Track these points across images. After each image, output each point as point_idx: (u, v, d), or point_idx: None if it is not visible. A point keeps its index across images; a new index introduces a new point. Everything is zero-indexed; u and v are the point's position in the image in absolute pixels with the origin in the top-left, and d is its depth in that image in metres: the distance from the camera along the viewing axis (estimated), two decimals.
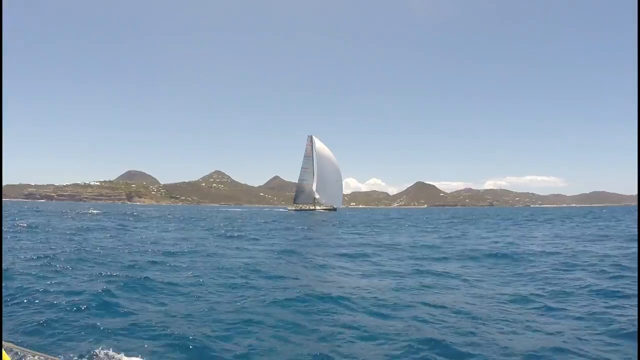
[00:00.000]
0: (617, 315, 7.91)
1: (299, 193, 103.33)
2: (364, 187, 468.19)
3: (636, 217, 53.87)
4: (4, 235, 21.27)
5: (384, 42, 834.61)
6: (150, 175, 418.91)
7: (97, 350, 5.74)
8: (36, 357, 4.90)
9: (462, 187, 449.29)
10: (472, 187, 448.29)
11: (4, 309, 7.68)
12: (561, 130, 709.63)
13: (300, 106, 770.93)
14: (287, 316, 7.77)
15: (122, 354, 5.67)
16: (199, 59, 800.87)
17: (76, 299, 8.63)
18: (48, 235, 23.34)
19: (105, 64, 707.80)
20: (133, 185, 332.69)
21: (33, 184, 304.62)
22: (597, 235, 26.12)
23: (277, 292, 9.77)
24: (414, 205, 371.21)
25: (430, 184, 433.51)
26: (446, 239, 24.68)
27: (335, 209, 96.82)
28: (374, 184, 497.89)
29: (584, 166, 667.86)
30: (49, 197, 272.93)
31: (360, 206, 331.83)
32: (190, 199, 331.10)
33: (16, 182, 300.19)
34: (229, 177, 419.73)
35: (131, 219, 46.18)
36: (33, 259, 13.81)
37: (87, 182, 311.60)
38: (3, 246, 16.75)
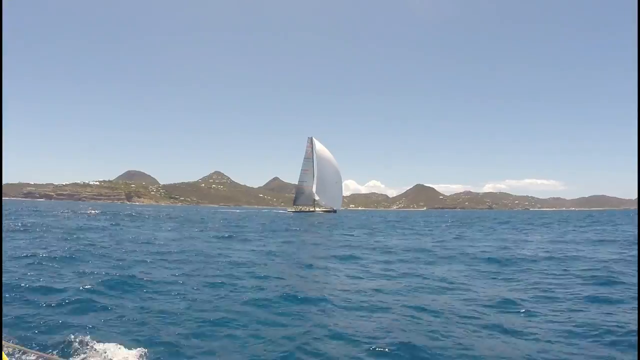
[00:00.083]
0: (601, 321, 7.79)
1: (298, 195, 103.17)
2: (363, 189, 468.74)
3: (633, 221, 53.93)
4: None
5: (384, 42, 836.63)
6: (149, 176, 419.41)
7: (71, 339, 6.00)
8: (36, 357, 4.90)
9: (462, 190, 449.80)
10: (472, 190, 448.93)
11: None
12: (561, 133, 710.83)
13: (300, 107, 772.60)
14: (260, 315, 7.81)
15: (95, 342, 5.94)
16: (199, 59, 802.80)
17: (56, 295, 8.76)
18: (41, 234, 23.31)
19: (105, 63, 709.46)
20: (132, 185, 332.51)
21: (32, 183, 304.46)
22: (592, 239, 26.00)
23: (256, 291, 9.81)
24: (413, 207, 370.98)
25: (429, 187, 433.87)
26: (439, 242, 24.64)
27: (335, 211, 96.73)
28: (373, 186, 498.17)
29: (584, 170, 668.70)
30: (48, 197, 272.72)
31: (360, 208, 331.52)
32: (189, 199, 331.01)
33: (15, 181, 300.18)
34: (228, 177, 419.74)
35: (127, 219, 46.16)
36: (21, 257, 13.92)
37: (87, 182, 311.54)
38: None
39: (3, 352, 3.38)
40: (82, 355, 5.68)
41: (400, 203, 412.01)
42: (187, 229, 33.46)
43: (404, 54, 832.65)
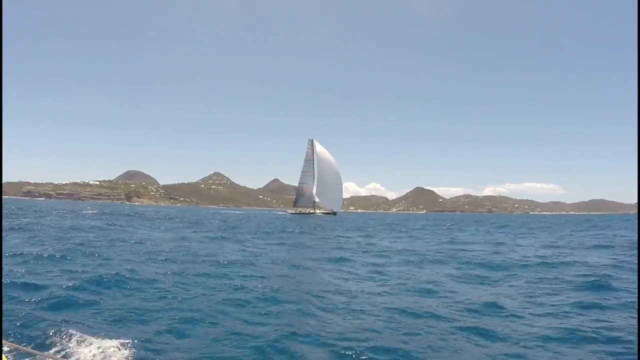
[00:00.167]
0: (585, 327, 7.71)
1: (299, 196, 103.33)
2: (363, 192, 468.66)
3: (631, 225, 53.80)
4: None
5: (384, 44, 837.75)
6: (149, 176, 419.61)
7: (48, 332, 6.26)
8: (36, 357, 4.91)
9: (461, 193, 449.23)
10: (471, 193, 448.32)
11: None
12: (561, 137, 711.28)
13: (301, 109, 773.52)
14: (236, 314, 7.90)
15: (68, 335, 6.18)
16: (199, 59, 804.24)
17: (37, 292, 8.90)
18: (36, 233, 23.30)
19: (106, 63, 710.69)
20: (132, 185, 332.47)
21: (32, 182, 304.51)
22: (587, 244, 25.81)
23: (237, 291, 9.91)
24: (413, 210, 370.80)
25: (429, 190, 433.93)
26: (432, 245, 24.63)
27: (335, 213, 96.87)
28: (373, 188, 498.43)
29: (584, 174, 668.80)
30: (47, 196, 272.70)
31: (359, 210, 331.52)
32: (189, 200, 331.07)
33: (15, 180, 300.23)
34: (228, 179, 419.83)
35: (124, 219, 46.12)
36: (10, 255, 13.95)
37: (86, 182, 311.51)
38: None
39: (2, 352, 3.40)
40: (61, 347, 5.90)
41: (400, 206, 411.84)
42: (182, 229, 33.45)
43: (404, 57, 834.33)
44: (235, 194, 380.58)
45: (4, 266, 11.78)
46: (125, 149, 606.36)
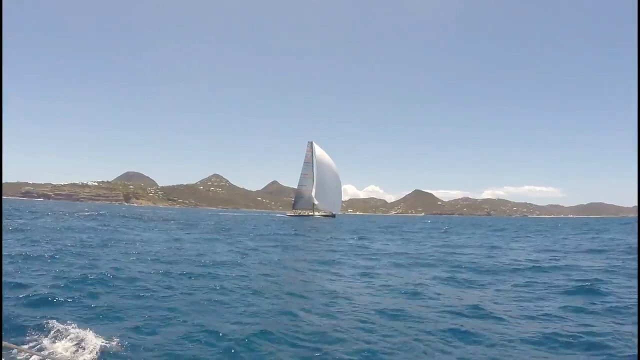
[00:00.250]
0: (569, 331, 7.62)
1: (298, 199, 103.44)
2: (362, 194, 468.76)
3: (628, 229, 53.73)
4: None
5: (384, 47, 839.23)
6: (148, 177, 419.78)
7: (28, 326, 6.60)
8: (36, 357, 4.88)
9: (460, 196, 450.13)
10: (470, 196, 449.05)
11: None
12: (560, 140, 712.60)
13: (300, 111, 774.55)
14: (205, 313, 8.04)
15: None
16: (199, 61, 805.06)
17: (19, 290, 9.05)
18: (30, 234, 23.24)
19: (105, 64, 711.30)
20: (131, 186, 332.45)
21: (31, 183, 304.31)
22: (582, 248, 25.64)
23: (213, 292, 10.02)
24: (412, 213, 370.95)
25: (428, 192, 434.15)
26: (425, 248, 24.64)
27: (334, 215, 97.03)
28: (372, 191, 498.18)
29: (583, 177, 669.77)
30: (46, 196, 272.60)
31: (358, 213, 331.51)
32: (187, 202, 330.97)
33: (14, 180, 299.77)
34: (227, 180, 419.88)
35: (120, 220, 46.10)
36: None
37: (85, 182, 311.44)
38: None
39: (2, 353, 3.39)
40: (36, 342, 6.13)
41: (398, 208, 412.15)
42: (177, 230, 33.42)
43: (404, 58, 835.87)
44: (234, 195, 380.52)
45: None
46: (124, 150, 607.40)
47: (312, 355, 6.15)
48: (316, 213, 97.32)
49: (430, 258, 19.16)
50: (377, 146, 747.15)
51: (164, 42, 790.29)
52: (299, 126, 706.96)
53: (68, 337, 6.29)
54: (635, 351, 6.58)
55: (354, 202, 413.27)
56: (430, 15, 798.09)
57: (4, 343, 4.28)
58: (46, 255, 14.59)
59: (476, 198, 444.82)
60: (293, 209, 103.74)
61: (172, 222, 47.87)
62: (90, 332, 6.50)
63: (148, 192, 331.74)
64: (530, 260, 19.32)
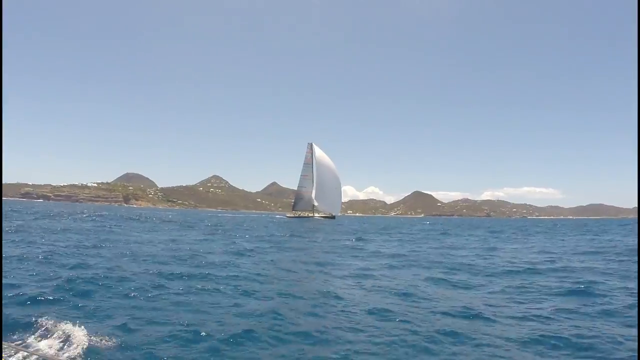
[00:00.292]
0: (549, 334, 7.51)
1: (298, 200, 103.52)
2: (361, 195, 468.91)
3: (628, 230, 53.63)
4: None
5: (384, 49, 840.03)
6: (148, 178, 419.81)
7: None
8: (36, 357, 4.99)
9: (460, 198, 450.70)
10: (470, 198, 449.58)
11: None
12: (560, 141, 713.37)
13: (300, 112, 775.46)
14: (188, 313, 8.14)
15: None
16: (199, 62, 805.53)
17: (8, 290, 9.11)
18: (24, 236, 23.21)
19: (105, 65, 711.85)
20: (130, 187, 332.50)
21: (30, 184, 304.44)
22: (578, 250, 25.50)
23: (200, 292, 10.12)
24: (411, 214, 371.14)
25: (427, 194, 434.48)
26: (421, 249, 24.63)
27: (334, 217, 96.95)
28: (371, 192, 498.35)
29: (583, 178, 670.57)
30: (45, 197, 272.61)
31: (357, 214, 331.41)
32: (187, 203, 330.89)
33: (14, 181, 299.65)
34: (226, 182, 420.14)
35: (118, 221, 46.08)
36: None
37: (85, 183, 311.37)
38: None
39: (2, 353, 3.40)
40: (22, 339, 6.19)
41: (398, 210, 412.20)
42: (173, 231, 33.45)
43: (404, 60, 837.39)
44: (233, 197, 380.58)
45: None
46: (124, 151, 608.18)
47: (294, 354, 6.17)
48: (316, 214, 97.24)
49: (424, 259, 19.12)
50: (377, 147, 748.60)
51: (163, 42, 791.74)
52: (299, 127, 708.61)
53: (54, 335, 6.40)
54: (623, 354, 6.57)
55: (353, 204, 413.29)
56: (429, 16, 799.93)
57: (6, 344, 4.29)
58: (40, 256, 14.60)
59: (476, 199, 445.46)
60: (293, 210, 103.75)
61: (170, 223, 47.83)
62: (77, 330, 6.58)
63: (147, 193, 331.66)
64: (526, 262, 19.15)
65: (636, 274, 14.62)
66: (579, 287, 12.11)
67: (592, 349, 6.82)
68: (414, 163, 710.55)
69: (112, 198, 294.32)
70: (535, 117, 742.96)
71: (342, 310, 8.82)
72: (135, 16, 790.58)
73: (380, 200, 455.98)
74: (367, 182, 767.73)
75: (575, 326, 8.16)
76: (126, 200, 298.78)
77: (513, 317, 8.82)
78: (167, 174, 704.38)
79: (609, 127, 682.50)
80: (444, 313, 8.92)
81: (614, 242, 30.92)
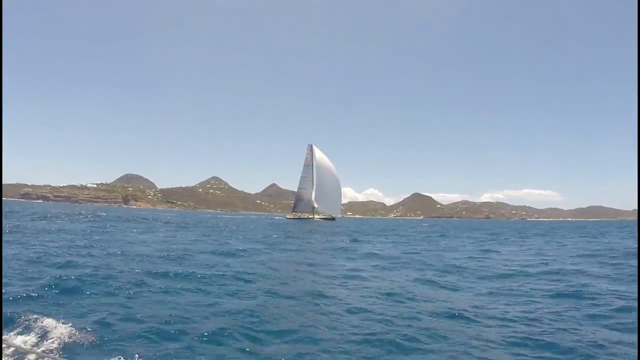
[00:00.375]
0: (534, 336, 7.45)
1: (298, 201, 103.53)
2: (361, 197, 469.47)
3: (627, 233, 53.54)
4: None
5: (383, 51, 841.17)
6: (147, 180, 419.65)
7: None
8: (36, 357, 5.04)
9: (459, 199, 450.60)
10: (469, 200, 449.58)
11: None
12: (560, 144, 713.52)
13: (299, 114, 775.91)
14: (167, 309, 8.27)
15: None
16: (199, 64, 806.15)
17: None
18: (18, 237, 23.20)
19: (106, 66, 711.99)
20: (130, 188, 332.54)
21: (30, 184, 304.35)
22: (574, 252, 25.34)
23: (183, 291, 10.19)
24: (411, 216, 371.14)
25: (427, 196, 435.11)
26: (415, 250, 24.65)
27: (333, 218, 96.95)
28: (371, 194, 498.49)
29: (582, 181, 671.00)
30: (45, 198, 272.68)
31: (357, 216, 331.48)
32: (186, 204, 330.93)
33: (13, 182, 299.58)
34: (226, 183, 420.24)
35: (115, 222, 46.03)
36: None
37: (84, 184, 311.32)
38: None
39: (2, 353, 3.41)
40: (6, 333, 6.37)
41: (397, 211, 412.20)
42: (170, 232, 33.46)
43: (403, 62, 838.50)
44: (232, 198, 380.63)
45: None
46: (123, 153, 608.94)
47: (264, 352, 6.23)
48: (316, 216, 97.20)
49: (416, 261, 19.13)
50: (377, 149, 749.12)
51: (163, 44, 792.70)
52: (298, 129, 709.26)
53: (33, 331, 6.54)
54: (603, 359, 6.55)
55: (353, 205, 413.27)
56: (429, 18, 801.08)
57: (6, 344, 4.30)
58: (30, 256, 14.64)
59: (475, 201, 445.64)
60: (293, 211, 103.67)
61: (167, 224, 47.83)
62: (55, 325, 6.74)
63: (147, 194, 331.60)
64: (518, 264, 19.04)
65: (629, 277, 14.57)
66: (568, 290, 12.05)
67: (571, 352, 6.78)
68: (413, 165, 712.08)
69: (111, 199, 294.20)
70: (535, 119, 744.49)
71: (322, 310, 8.88)
72: (134, 18, 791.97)
73: (379, 202, 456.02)
74: (366, 183, 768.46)
75: (559, 329, 8.09)
76: (125, 201, 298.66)
77: (494, 318, 8.81)
78: (167, 175, 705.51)
79: (608, 130, 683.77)
80: (424, 313, 8.94)
81: (610, 245, 30.83)
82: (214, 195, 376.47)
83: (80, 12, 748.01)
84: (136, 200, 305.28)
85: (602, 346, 7.07)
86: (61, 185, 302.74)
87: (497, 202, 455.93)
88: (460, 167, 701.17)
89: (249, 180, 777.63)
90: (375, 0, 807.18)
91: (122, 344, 6.36)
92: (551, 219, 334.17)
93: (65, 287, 9.69)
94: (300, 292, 10.57)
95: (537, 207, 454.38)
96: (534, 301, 10.79)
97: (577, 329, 8.10)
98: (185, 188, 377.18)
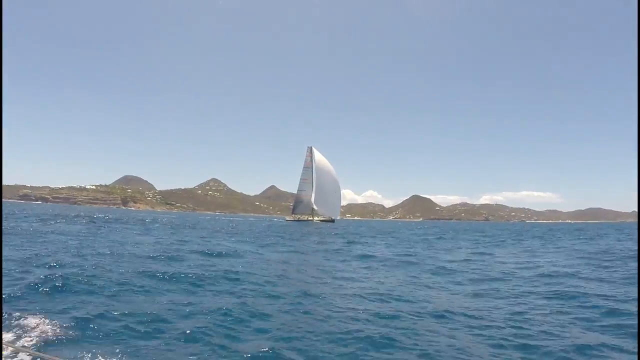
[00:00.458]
0: (509, 337, 7.44)
1: (297, 203, 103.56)
2: (360, 199, 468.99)
3: (626, 234, 53.52)
4: None
5: (383, 53, 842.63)
6: (146, 181, 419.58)
7: None
8: (36, 357, 5.08)
9: (458, 201, 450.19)
10: (468, 202, 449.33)
11: None
12: (559, 145, 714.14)
13: (298, 116, 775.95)
14: (144, 308, 8.38)
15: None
16: (198, 65, 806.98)
17: None
18: (12, 238, 23.16)
19: (105, 68, 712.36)
20: (129, 190, 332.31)
21: (29, 186, 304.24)
22: (571, 254, 25.25)
23: (160, 291, 10.28)
24: (410, 218, 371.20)
25: (426, 198, 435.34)
26: (408, 252, 24.66)
27: (333, 220, 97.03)
28: (370, 196, 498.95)
29: (581, 182, 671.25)
30: (44, 199, 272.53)
31: (356, 218, 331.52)
32: (185, 206, 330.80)
33: (12, 183, 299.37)
34: (225, 185, 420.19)
35: (112, 223, 45.98)
36: None
37: (83, 186, 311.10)
38: None
39: (2, 353, 3.40)
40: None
41: (396, 213, 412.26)
42: (163, 233, 33.48)
43: (402, 64, 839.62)
44: (231, 200, 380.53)
45: None
46: (122, 154, 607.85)
47: (243, 349, 6.27)
48: (315, 218, 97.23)
49: (407, 262, 19.09)
50: (376, 151, 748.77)
51: (162, 47, 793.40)
52: (297, 131, 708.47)
53: (13, 329, 6.64)
54: None
55: (352, 207, 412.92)
56: (428, 22, 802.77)
57: (5, 343, 4.29)
58: (19, 257, 14.66)
59: (474, 203, 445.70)
60: (292, 213, 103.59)
61: (164, 225, 47.84)
62: (34, 322, 6.87)
63: (146, 196, 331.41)
64: (511, 266, 18.90)
65: (621, 280, 14.50)
66: (558, 293, 11.92)
67: (552, 355, 6.71)
68: (412, 167, 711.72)
69: (110, 200, 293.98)
70: (534, 121, 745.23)
71: (305, 308, 8.95)
72: (133, 20, 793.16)
73: (378, 204, 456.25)
74: (366, 185, 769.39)
75: (542, 331, 8.00)
76: (124, 202, 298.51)
77: (477, 318, 8.79)
78: (166, 176, 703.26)
79: (608, 131, 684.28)
80: (405, 312, 8.95)
81: (606, 248, 30.76)
82: (213, 197, 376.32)
83: (80, 15, 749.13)
84: (135, 202, 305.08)
85: (586, 347, 7.03)
86: (60, 187, 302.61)
87: (496, 204, 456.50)
88: (459, 169, 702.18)
89: (248, 182, 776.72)
90: (374, 4, 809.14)
91: (98, 341, 6.46)
92: (550, 221, 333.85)
93: (49, 287, 9.73)
94: (285, 292, 10.61)
95: (536, 209, 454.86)
96: (521, 303, 10.73)
97: (562, 332, 8.05)
98: (184, 190, 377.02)
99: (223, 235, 34.46)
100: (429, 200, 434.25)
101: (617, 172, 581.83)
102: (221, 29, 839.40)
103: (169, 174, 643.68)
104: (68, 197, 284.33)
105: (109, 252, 16.84)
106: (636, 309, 9.60)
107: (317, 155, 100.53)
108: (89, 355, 5.84)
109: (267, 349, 6.18)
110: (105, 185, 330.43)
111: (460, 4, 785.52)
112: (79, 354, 5.83)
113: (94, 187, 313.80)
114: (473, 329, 8.04)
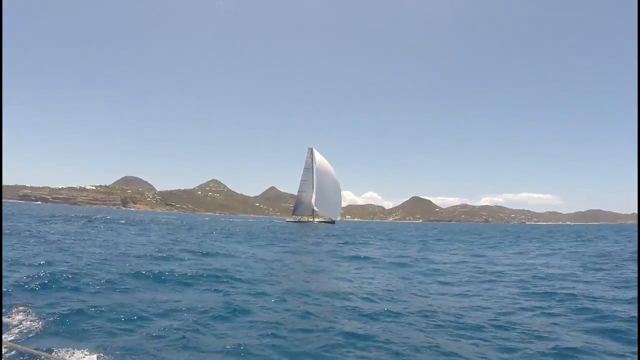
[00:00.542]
0: (498, 340, 7.39)
1: (298, 204, 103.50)
2: (360, 200, 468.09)
3: (625, 236, 53.45)
4: None
5: (382, 54, 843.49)
6: (146, 182, 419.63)
7: None
8: (36, 357, 4.95)
9: (458, 203, 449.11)
10: (468, 203, 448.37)
11: None
12: (559, 147, 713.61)
13: (298, 118, 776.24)
14: (125, 307, 8.39)
15: None
16: (198, 67, 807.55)
17: None
18: (9, 237, 23.18)
19: (105, 69, 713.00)
20: (129, 191, 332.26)
21: (29, 186, 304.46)
22: (568, 256, 25.11)
23: (143, 290, 10.30)
24: (409, 219, 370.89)
25: (426, 199, 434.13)
26: (403, 253, 24.66)
27: (333, 222, 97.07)
28: (370, 197, 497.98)
29: (581, 184, 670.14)
30: (44, 200, 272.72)
31: (356, 219, 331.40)
32: (185, 207, 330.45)
33: (12, 183, 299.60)
34: (225, 186, 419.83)
35: (110, 224, 45.95)
36: None
37: (83, 186, 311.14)
38: None
39: (2, 353, 3.41)
40: None
41: (396, 215, 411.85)
42: (160, 233, 33.47)
43: (402, 65, 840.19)
44: (231, 201, 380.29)
45: None
46: (122, 155, 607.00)
47: (218, 345, 6.33)
48: (315, 219, 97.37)
49: (399, 264, 19.04)
50: (376, 153, 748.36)
51: (162, 48, 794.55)
52: (297, 133, 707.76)
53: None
54: None
55: (352, 209, 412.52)
56: (427, 22, 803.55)
57: (5, 342, 4.30)
58: (12, 255, 14.79)
59: (474, 205, 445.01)
60: (293, 214, 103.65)
61: (162, 225, 47.81)
62: (17, 318, 7.04)
63: (146, 196, 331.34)
64: (505, 268, 18.78)
65: (616, 282, 14.43)
66: (545, 294, 11.89)
67: (528, 357, 6.69)
68: (413, 168, 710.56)
69: (110, 201, 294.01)
70: (534, 122, 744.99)
71: (285, 306, 9.02)
72: (133, 20, 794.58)
73: (378, 206, 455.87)
74: (366, 187, 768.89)
75: (524, 332, 7.97)
76: (124, 203, 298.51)
77: (461, 317, 8.79)
78: (166, 177, 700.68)
79: (608, 133, 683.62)
80: (386, 312, 8.94)
81: (603, 250, 30.69)
82: (212, 198, 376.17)
83: (80, 15, 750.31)
84: (135, 203, 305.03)
85: (569, 350, 6.99)
86: (60, 187, 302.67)
87: (496, 205, 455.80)
88: (459, 171, 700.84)
89: (248, 183, 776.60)
90: (375, 4, 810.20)
91: (75, 335, 6.57)
92: (550, 223, 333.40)
93: (36, 284, 9.79)
94: (270, 290, 10.66)
95: (536, 211, 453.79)
96: (508, 304, 10.67)
97: (546, 334, 8.00)
98: (184, 190, 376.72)
99: (219, 235, 34.46)
100: (429, 201, 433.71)
101: (617, 173, 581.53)
102: (221, 29, 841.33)
103: (169, 175, 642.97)
104: (68, 197, 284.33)
105: (101, 252, 16.87)
106: (625, 312, 9.56)
107: (318, 157, 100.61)
108: (65, 349, 5.90)
109: (240, 344, 6.23)
110: (105, 186, 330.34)
111: (460, 4, 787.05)
112: (54, 348, 5.90)
113: (93, 187, 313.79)
114: (455, 329, 8.01)
